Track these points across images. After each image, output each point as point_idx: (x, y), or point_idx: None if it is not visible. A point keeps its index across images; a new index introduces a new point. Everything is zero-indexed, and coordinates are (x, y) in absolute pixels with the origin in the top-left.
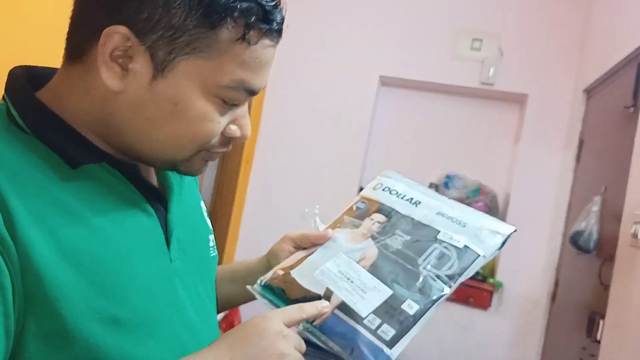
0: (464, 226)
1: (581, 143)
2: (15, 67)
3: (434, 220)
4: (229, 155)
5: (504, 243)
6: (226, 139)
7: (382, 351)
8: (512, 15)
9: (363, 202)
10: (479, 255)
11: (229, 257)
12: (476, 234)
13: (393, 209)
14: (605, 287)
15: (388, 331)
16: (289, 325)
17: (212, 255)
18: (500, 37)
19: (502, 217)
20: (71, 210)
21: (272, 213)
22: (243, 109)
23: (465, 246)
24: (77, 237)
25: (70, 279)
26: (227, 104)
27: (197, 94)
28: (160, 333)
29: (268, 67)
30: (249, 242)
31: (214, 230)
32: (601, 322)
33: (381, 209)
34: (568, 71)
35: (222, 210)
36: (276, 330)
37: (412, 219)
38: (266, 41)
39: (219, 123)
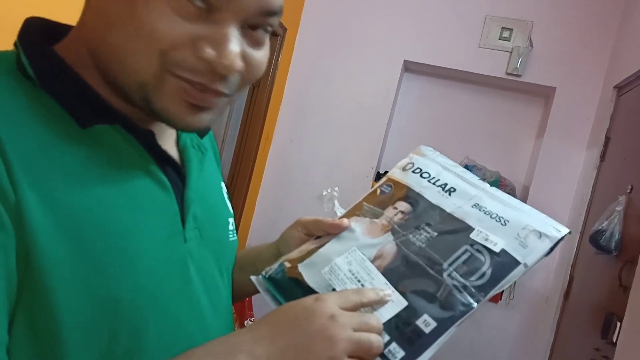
0: (505, 224)
1: (607, 141)
2: (31, 17)
3: (468, 213)
4: (249, 131)
5: (552, 248)
6: (204, 64)
7: None
8: (545, 4)
9: (388, 186)
10: (519, 264)
11: (242, 233)
12: (518, 235)
13: (422, 196)
14: (625, 288)
15: (396, 352)
16: (345, 310)
17: (231, 239)
18: (532, 27)
19: None
20: (76, 174)
21: (288, 193)
22: (226, 30)
23: (503, 250)
24: (80, 205)
25: (65, 250)
26: (193, 5)
27: None
28: (163, 320)
29: None
30: (264, 220)
31: None
32: (618, 323)
33: (408, 195)
34: (600, 66)
35: (239, 186)
36: (327, 314)
37: (443, 210)
38: None
39: (178, 26)
